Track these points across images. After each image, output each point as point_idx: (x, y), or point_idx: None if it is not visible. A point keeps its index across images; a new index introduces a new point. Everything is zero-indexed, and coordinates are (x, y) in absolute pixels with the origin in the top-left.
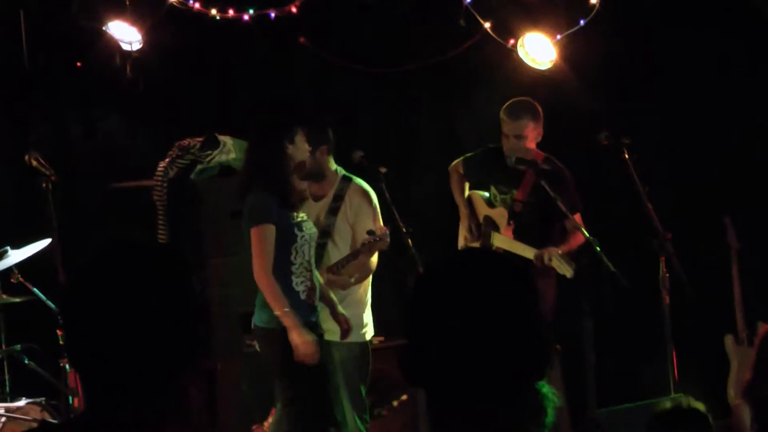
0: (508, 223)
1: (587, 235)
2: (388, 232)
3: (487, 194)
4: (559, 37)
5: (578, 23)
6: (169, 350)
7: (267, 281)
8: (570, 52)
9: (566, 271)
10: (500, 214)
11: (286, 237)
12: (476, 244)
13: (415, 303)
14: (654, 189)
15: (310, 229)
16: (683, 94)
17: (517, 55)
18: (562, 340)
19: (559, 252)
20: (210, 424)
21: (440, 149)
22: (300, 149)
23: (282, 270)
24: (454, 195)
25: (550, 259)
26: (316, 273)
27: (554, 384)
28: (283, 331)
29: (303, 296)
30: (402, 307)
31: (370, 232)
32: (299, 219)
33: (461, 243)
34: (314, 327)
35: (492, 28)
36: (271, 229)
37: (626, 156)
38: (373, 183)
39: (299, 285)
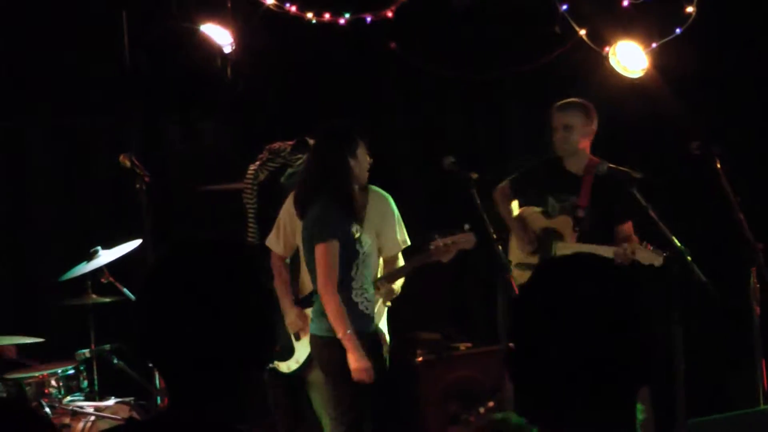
0: (574, 230)
1: (678, 244)
2: (468, 229)
3: (538, 208)
4: (654, 45)
5: (673, 32)
6: (243, 347)
7: (331, 299)
8: (663, 60)
9: (655, 259)
10: (563, 222)
11: (350, 253)
12: (533, 259)
13: (523, 306)
14: (746, 199)
15: (367, 244)
16: None
17: (609, 62)
18: None
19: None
20: (294, 423)
21: (530, 156)
22: (360, 162)
23: (342, 284)
24: (502, 215)
25: (633, 252)
26: (372, 286)
27: (641, 393)
28: None
29: (361, 307)
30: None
31: (442, 235)
32: (358, 234)
33: (516, 257)
34: (374, 337)
35: (586, 35)
36: (335, 246)
37: (718, 166)
38: (464, 189)
39: (359, 296)
